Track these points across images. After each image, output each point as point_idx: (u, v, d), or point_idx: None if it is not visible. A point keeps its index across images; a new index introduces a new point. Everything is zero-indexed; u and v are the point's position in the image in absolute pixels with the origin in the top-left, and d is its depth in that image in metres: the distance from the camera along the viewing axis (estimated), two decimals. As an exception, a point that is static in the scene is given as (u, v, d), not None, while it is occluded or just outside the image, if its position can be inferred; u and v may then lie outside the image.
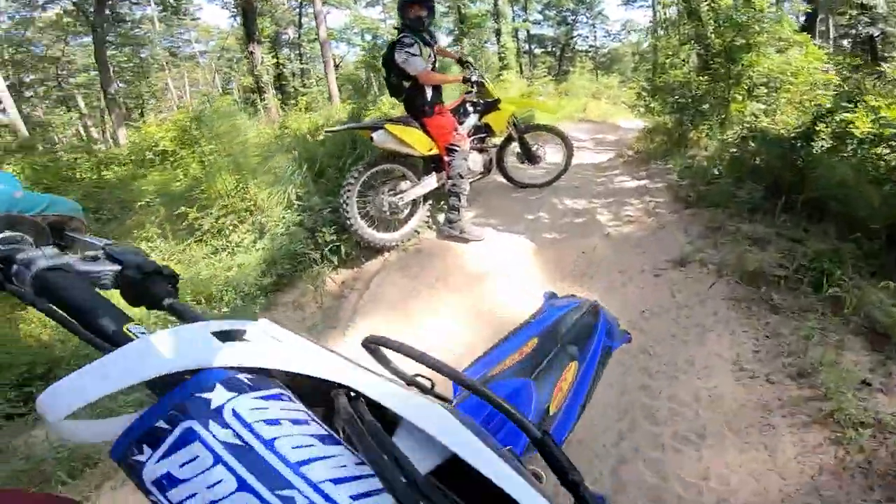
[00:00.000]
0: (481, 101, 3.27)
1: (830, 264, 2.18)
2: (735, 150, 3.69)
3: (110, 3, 11.20)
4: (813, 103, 4.32)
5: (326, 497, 0.24)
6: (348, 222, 2.79)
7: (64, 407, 0.26)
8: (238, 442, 0.25)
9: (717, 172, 3.52)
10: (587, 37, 26.26)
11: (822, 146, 3.01)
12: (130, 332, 0.34)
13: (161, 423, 0.26)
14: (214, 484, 0.24)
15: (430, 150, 2.91)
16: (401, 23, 2.89)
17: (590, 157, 5.71)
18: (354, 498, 0.25)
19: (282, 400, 0.29)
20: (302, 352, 0.33)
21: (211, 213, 3.21)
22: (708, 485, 1.33)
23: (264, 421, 0.27)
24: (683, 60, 5.55)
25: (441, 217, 3.20)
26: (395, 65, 2.79)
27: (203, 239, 3.23)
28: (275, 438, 0.26)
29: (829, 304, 2.04)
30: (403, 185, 2.97)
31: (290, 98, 13.17)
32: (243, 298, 2.68)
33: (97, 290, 0.39)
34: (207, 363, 0.28)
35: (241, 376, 0.29)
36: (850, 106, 2.99)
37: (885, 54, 11.44)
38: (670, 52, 5.56)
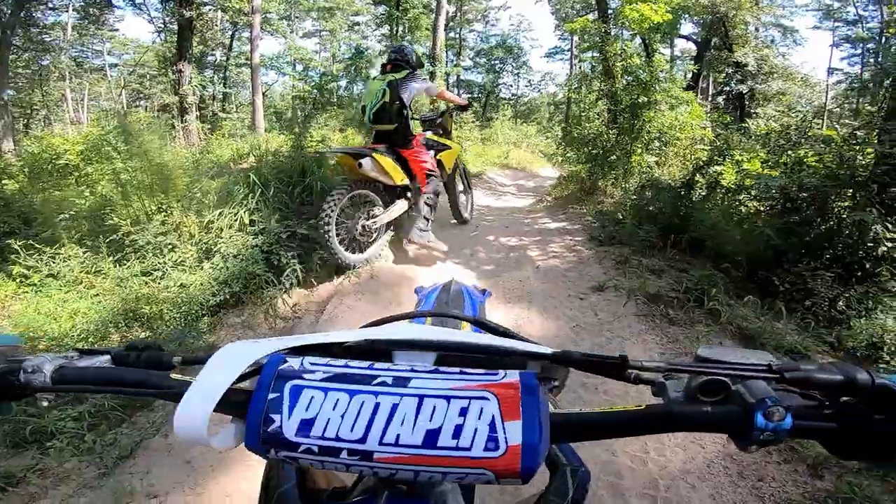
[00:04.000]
0: (437, 141, 3.60)
1: (708, 287, 2.76)
2: (635, 197, 4.40)
3: (28, 5, 10.08)
4: (693, 157, 5.28)
5: (412, 369, 0.35)
6: (328, 242, 2.86)
7: (199, 422, 0.32)
8: (327, 375, 0.34)
9: (621, 217, 4.16)
10: (511, 85, 27.51)
11: (700, 194, 3.76)
12: (175, 377, 0.40)
13: (271, 395, 0.33)
14: (335, 404, 0.32)
15: (402, 181, 3.15)
16: (406, 62, 3.25)
17: (515, 202, 6.32)
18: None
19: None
20: (298, 338, 0.43)
21: (147, 230, 3.08)
22: (650, 457, 1.67)
23: (327, 362, 0.36)
24: (597, 114, 6.36)
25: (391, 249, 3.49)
26: (400, 93, 3.08)
27: (127, 255, 3.06)
28: (346, 363, 0.36)
29: (709, 316, 2.61)
30: (376, 210, 3.16)
31: (207, 122, 12.56)
32: (186, 317, 2.61)
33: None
34: (268, 351, 0.38)
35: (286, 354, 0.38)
36: (719, 160, 3.79)
37: (752, 110, 13.73)
38: (586, 106, 6.33)
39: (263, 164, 4.07)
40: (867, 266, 2.75)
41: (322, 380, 0.34)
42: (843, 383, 0.32)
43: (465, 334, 0.47)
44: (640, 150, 5.28)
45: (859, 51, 18.70)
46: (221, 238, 3.13)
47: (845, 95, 18.86)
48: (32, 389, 0.40)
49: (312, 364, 0.36)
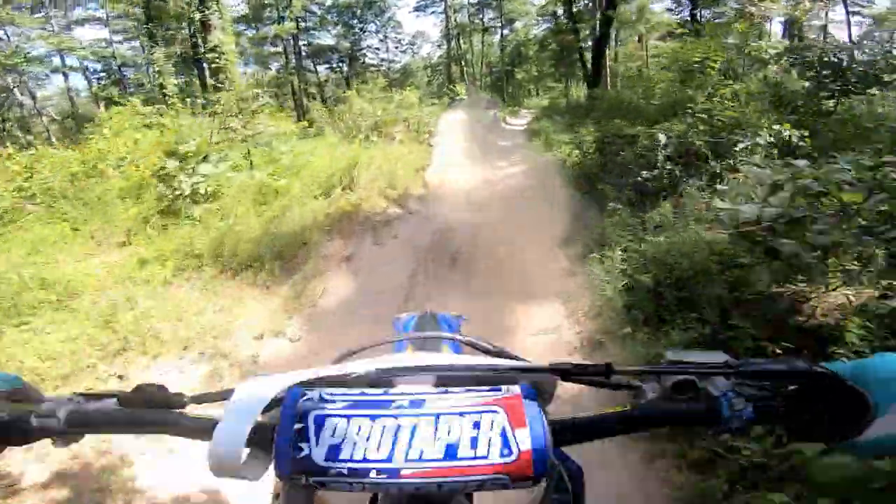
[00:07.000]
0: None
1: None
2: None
3: None
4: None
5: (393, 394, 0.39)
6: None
7: (235, 456, 0.33)
8: (346, 403, 0.37)
9: None
10: (377, 49, 23.31)
11: None
12: (194, 415, 0.41)
13: (297, 426, 0.36)
14: (359, 429, 0.35)
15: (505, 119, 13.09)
16: (495, 104, 12.99)
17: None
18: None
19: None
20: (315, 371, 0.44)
21: None
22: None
23: (343, 392, 0.39)
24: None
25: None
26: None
27: None
28: (361, 392, 0.39)
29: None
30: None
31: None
32: None
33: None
34: (284, 385, 0.38)
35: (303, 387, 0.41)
36: None
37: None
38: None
39: None
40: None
41: (343, 408, 0.37)
42: (787, 373, 0.37)
43: (463, 357, 0.48)
44: None
45: None
46: None
47: None
48: (48, 432, 0.41)
49: (330, 395, 0.38)
